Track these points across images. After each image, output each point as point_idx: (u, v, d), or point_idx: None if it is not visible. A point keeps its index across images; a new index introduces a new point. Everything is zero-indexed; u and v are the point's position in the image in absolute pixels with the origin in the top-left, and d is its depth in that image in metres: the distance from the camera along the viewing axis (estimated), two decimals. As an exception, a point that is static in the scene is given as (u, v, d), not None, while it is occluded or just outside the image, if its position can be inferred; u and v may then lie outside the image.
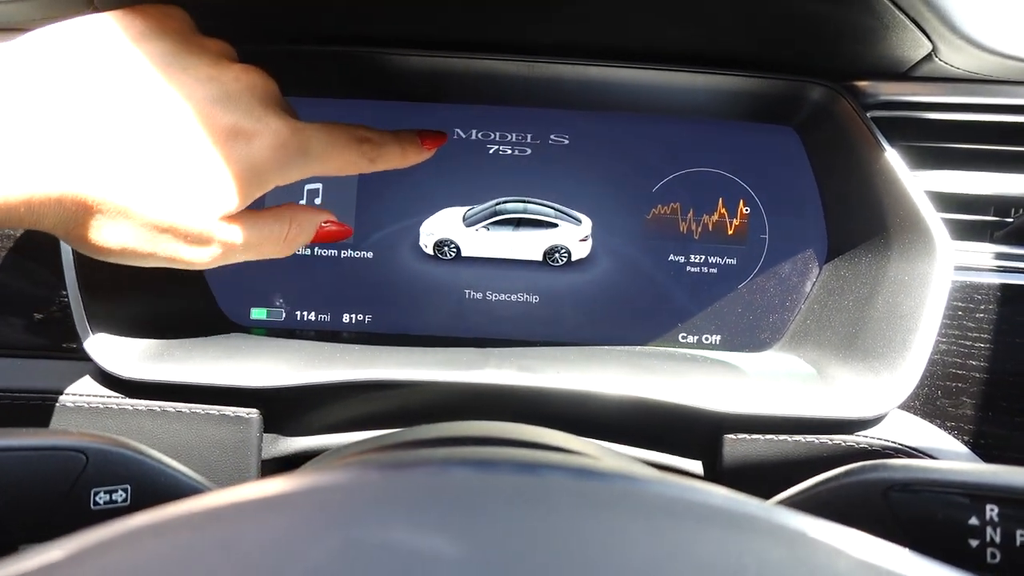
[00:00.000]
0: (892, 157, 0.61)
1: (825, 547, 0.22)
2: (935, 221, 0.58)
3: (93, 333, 0.56)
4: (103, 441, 0.40)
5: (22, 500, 0.37)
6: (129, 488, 0.40)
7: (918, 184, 0.61)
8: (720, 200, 0.69)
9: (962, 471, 0.39)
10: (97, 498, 0.40)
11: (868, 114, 0.63)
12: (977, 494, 0.37)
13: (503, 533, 0.21)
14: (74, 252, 0.57)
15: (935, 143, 0.64)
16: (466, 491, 0.23)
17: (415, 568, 0.19)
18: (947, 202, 0.63)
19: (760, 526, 0.23)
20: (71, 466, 0.39)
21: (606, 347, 0.68)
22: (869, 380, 0.58)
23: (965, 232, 0.63)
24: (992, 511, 0.37)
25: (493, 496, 0.23)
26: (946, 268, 0.57)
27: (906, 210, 0.60)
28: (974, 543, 0.37)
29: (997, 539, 0.36)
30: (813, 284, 0.68)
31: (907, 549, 0.22)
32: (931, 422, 0.59)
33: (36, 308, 0.62)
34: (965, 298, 0.61)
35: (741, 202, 0.69)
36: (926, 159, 0.63)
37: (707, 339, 0.69)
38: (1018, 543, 0.36)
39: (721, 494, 0.25)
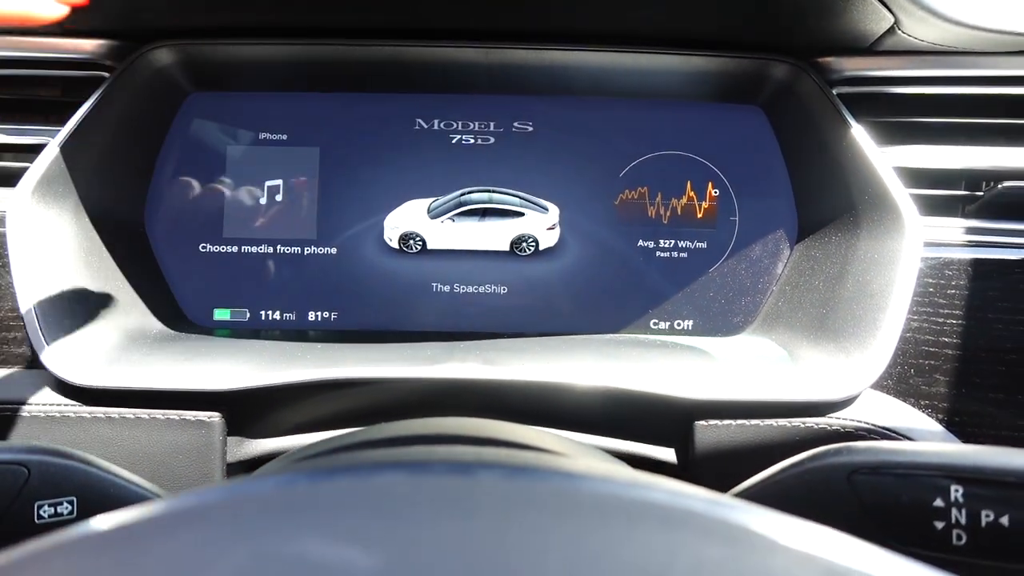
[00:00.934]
0: (858, 133, 0.60)
1: (765, 542, 0.21)
2: (903, 197, 0.57)
3: (48, 342, 0.55)
4: (46, 453, 0.39)
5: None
6: (75, 500, 0.39)
7: (886, 160, 0.60)
8: (688, 183, 0.68)
9: (926, 452, 0.38)
10: (41, 511, 0.38)
11: (834, 90, 0.62)
12: (941, 474, 0.36)
13: (422, 538, 0.20)
14: (22, 257, 0.55)
15: (903, 118, 0.63)
16: (390, 497, 0.22)
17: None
18: (917, 178, 0.62)
19: (699, 522, 0.22)
20: (12, 480, 0.38)
21: (576, 336, 0.67)
22: (840, 361, 0.57)
23: (937, 208, 0.62)
24: (957, 492, 0.36)
25: (417, 500, 0.22)
26: (915, 245, 0.56)
27: (874, 187, 0.59)
28: (939, 525, 0.36)
29: (963, 520, 0.35)
30: (784, 265, 0.67)
31: (857, 539, 0.21)
32: (904, 401, 0.58)
33: (-10, 317, 0.60)
34: (936, 274, 0.60)
35: (710, 184, 0.68)
36: (894, 134, 0.62)
37: (679, 325, 0.68)
38: (983, 524, 0.35)
39: (665, 489, 0.24)
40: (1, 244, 0.59)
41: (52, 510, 0.38)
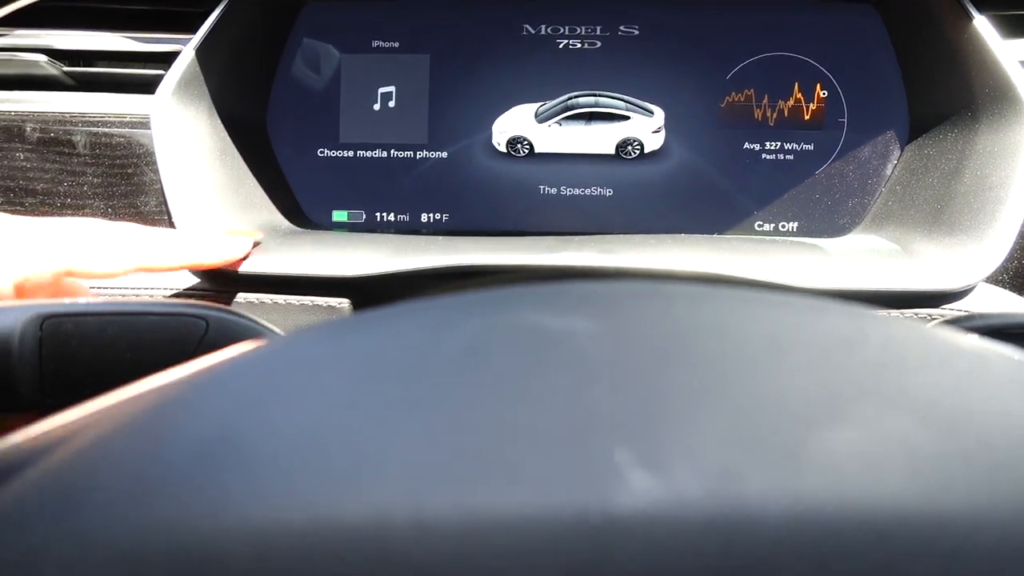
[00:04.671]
0: (981, 24, 0.59)
1: (952, 333, 0.23)
2: (1027, 87, 0.56)
3: (195, 232, 0.59)
4: (221, 310, 0.43)
5: (152, 360, 0.41)
6: (246, 353, 0.43)
7: (1009, 52, 0.58)
8: (796, 84, 0.68)
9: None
10: (218, 362, 0.43)
11: (955, -19, 0.61)
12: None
13: (636, 316, 0.22)
14: (168, 154, 0.60)
15: (1027, 10, 0.61)
16: (599, 295, 0.25)
17: (554, 341, 0.21)
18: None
19: (881, 316, 0.24)
20: (193, 331, 0.42)
21: (683, 234, 0.68)
22: (956, 253, 0.57)
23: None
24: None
25: (626, 296, 0.24)
26: (1039, 135, 0.55)
27: (996, 79, 0.58)
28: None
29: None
30: (895, 166, 0.67)
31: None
32: (1022, 295, 0.58)
33: (138, 215, 0.65)
34: (1058, 169, 0.59)
35: (818, 86, 0.68)
36: (1017, 27, 0.61)
37: (784, 226, 0.69)
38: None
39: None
40: (145, 144, 0.63)
41: (228, 360, 0.43)
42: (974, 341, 0.22)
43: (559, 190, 0.70)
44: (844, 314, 0.22)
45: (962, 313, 0.43)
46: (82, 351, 0.39)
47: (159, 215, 0.64)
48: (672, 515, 0.15)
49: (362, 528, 0.15)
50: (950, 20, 0.61)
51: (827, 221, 0.68)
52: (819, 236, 0.68)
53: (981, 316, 0.40)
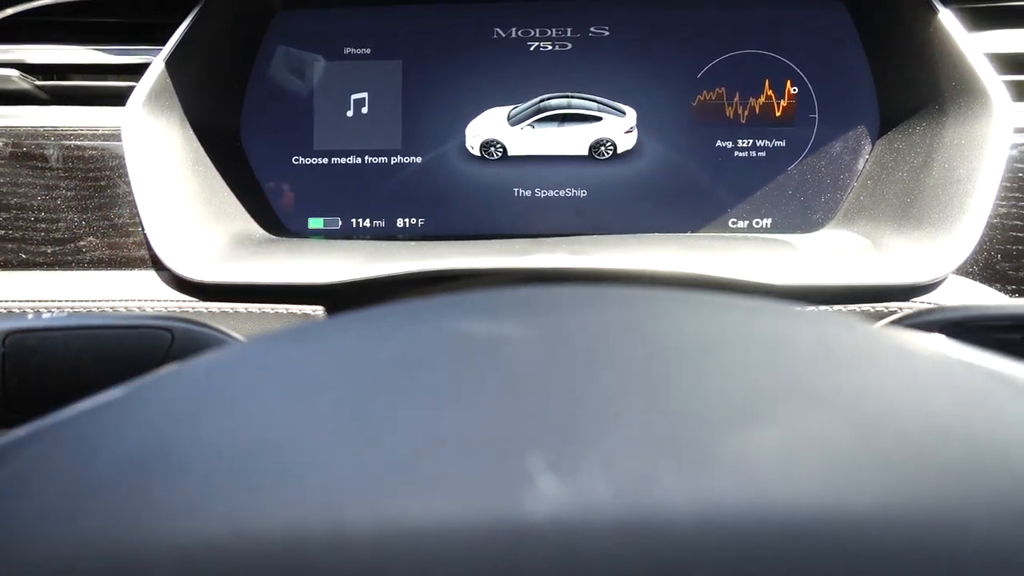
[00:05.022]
0: (946, 18, 0.59)
1: (885, 330, 0.23)
2: (992, 81, 0.57)
3: (168, 243, 0.59)
4: (187, 321, 0.43)
5: (119, 373, 0.41)
6: (213, 364, 0.43)
7: (975, 45, 0.59)
8: (767, 81, 0.68)
9: (1015, 306, 0.39)
10: (186, 373, 0.43)
11: (920, -24, 0.61)
12: (1031, 324, 0.37)
13: (566, 321, 0.22)
14: (140, 166, 0.60)
15: (991, 3, 0.61)
16: (533, 301, 0.25)
17: (481, 348, 0.21)
18: (1009, 64, 0.61)
19: (814, 314, 0.24)
20: (159, 343, 0.42)
21: (656, 234, 0.69)
22: (925, 246, 0.57)
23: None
24: (1048, 339, 0.37)
25: (559, 301, 0.24)
26: (1004, 128, 0.56)
27: (962, 72, 0.59)
28: None
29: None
30: (866, 161, 0.67)
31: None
32: (991, 286, 0.59)
33: (111, 227, 0.65)
34: (1026, 160, 0.59)
35: (788, 82, 0.68)
36: (982, 20, 0.61)
37: (758, 223, 0.69)
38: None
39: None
40: (118, 156, 0.63)
41: (195, 371, 0.43)
42: (906, 338, 0.22)
43: (534, 192, 0.70)
44: (775, 314, 0.23)
45: (924, 307, 0.43)
46: (47, 366, 0.39)
47: (133, 227, 0.64)
48: (581, 519, 0.15)
49: (281, 540, 0.15)
50: (917, 15, 0.61)
51: (800, 217, 0.69)
52: (793, 232, 0.69)
53: (941, 310, 0.40)
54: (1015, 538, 0.16)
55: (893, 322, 0.41)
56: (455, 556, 0.15)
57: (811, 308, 0.24)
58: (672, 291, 0.24)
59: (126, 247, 0.64)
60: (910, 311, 0.41)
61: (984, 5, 0.61)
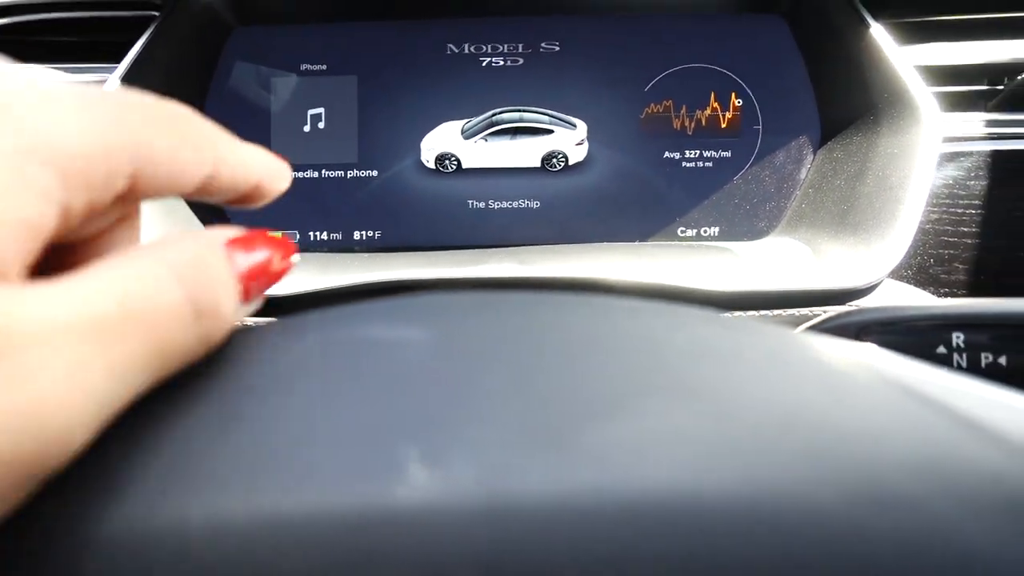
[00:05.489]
0: (878, 33, 0.62)
1: (767, 327, 0.25)
2: (921, 91, 0.59)
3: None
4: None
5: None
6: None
7: (905, 58, 0.61)
8: (712, 94, 0.70)
9: (932, 306, 0.41)
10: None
11: (853, -8, 0.64)
12: (944, 324, 0.39)
13: (467, 324, 0.24)
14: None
15: (922, 17, 0.64)
16: (441, 307, 0.26)
17: (381, 351, 0.22)
18: (940, 75, 0.63)
19: (702, 315, 0.26)
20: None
21: (606, 244, 0.70)
22: (861, 252, 0.59)
23: (961, 104, 0.64)
24: (958, 338, 0.39)
25: (465, 306, 0.26)
26: (933, 137, 0.58)
27: (893, 84, 0.61)
28: (942, 370, 0.39)
29: (963, 363, 0.38)
30: (808, 170, 0.69)
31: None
32: (924, 290, 0.61)
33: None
34: (957, 167, 0.61)
35: (733, 95, 0.70)
36: (914, 33, 0.64)
37: (706, 231, 0.71)
38: (983, 364, 0.38)
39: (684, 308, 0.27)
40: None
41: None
42: (783, 335, 0.24)
43: (487, 204, 0.71)
44: (662, 314, 0.24)
45: (844, 310, 0.45)
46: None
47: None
48: (445, 507, 0.16)
49: (161, 535, 0.17)
50: (850, 29, 0.64)
51: (746, 225, 0.71)
52: (739, 239, 0.71)
53: (860, 312, 0.42)
54: (854, 518, 0.17)
55: (813, 326, 0.43)
56: (319, 543, 0.16)
57: (705, 311, 0.26)
58: (569, 295, 0.26)
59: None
60: (832, 314, 0.43)
61: (914, 20, 0.64)
